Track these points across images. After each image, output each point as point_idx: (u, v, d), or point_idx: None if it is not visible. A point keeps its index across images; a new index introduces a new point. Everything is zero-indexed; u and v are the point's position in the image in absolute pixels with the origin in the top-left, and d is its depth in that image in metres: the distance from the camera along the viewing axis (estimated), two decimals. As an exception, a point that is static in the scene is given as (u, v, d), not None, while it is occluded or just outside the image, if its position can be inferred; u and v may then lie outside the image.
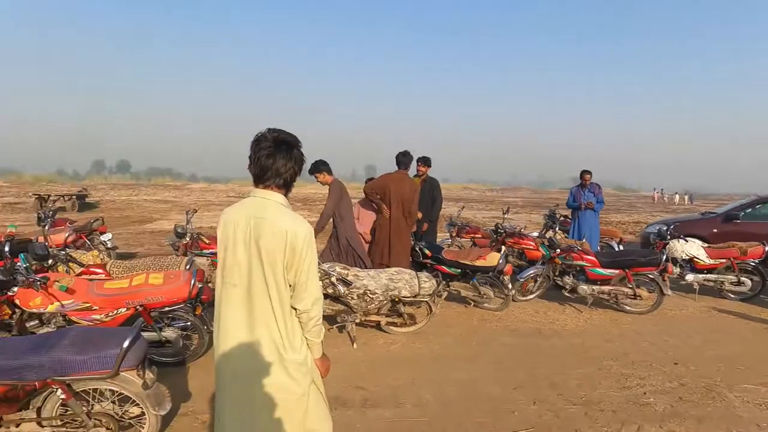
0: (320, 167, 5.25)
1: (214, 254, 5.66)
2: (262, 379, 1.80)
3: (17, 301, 3.43)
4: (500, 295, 5.82)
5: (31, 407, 2.54)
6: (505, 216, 8.98)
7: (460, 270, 5.77)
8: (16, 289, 3.44)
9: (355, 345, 4.54)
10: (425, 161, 6.72)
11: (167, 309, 3.82)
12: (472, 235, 8.56)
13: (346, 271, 4.54)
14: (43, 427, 2.55)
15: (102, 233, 7.45)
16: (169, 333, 3.87)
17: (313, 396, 1.90)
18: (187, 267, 4.44)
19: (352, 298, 4.48)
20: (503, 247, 6.14)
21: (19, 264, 3.65)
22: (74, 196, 17.44)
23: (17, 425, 2.52)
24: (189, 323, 4.00)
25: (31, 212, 15.92)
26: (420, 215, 6.20)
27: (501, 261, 5.60)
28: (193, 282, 3.81)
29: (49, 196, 17.30)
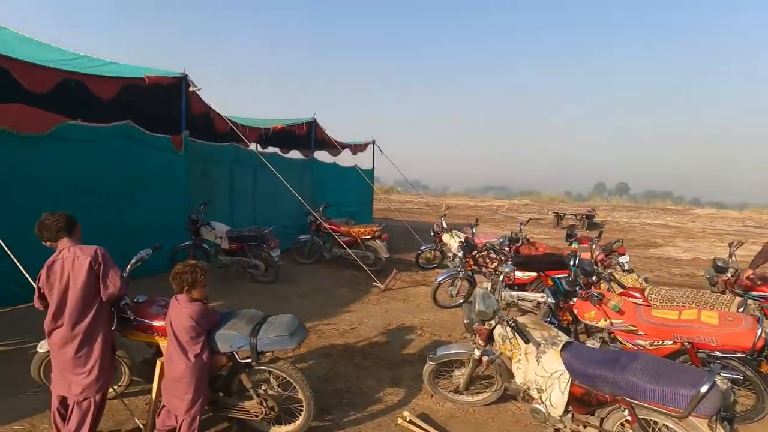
0: None
1: (765, 299, 4.65)
2: None
3: (575, 311, 3.88)
4: None
5: (596, 415, 2.75)
6: None
7: None
8: (575, 299, 3.89)
9: None
10: None
11: (719, 354, 3.36)
12: None
13: None
14: (604, 437, 2.70)
15: (620, 255, 7.60)
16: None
17: None
18: (740, 309, 3.78)
19: None
20: None
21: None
22: (584, 216, 19.00)
23: (584, 426, 2.78)
24: (742, 377, 3.39)
25: (549, 227, 18.57)
26: None
27: None
28: (759, 331, 3.19)
29: (565, 214, 19.64)
